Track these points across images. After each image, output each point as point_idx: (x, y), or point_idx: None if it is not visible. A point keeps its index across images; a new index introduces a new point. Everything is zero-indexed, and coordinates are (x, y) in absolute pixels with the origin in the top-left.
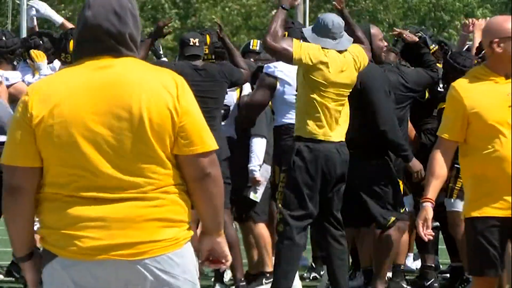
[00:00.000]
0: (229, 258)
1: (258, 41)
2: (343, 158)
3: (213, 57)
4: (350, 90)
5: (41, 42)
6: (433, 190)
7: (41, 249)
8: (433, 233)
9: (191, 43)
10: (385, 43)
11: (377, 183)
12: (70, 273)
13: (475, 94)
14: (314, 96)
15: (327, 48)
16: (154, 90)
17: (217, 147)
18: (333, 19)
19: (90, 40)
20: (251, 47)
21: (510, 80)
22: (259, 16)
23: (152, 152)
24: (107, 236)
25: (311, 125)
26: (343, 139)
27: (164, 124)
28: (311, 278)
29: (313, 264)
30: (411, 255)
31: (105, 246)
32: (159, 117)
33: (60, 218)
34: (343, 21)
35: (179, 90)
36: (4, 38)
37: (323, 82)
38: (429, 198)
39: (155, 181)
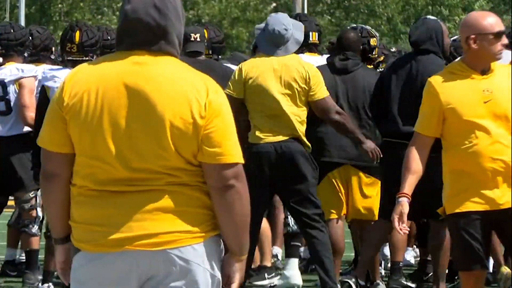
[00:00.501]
0: (235, 286)
1: None
2: (287, 155)
3: (210, 52)
4: (295, 90)
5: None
6: (409, 186)
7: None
8: (408, 228)
9: (192, 39)
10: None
11: (434, 177)
12: (93, 267)
13: (451, 90)
14: (247, 104)
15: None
16: (182, 94)
17: (243, 161)
18: (275, 28)
19: (129, 34)
20: None
21: (486, 76)
22: (258, 10)
23: (170, 155)
24: (126, 229)
25: (251, 130)
26: (288, 137)
27: (187, 130)
28: (309, 270)
29: None
30: (410, 249)
31: (126, 238)
32: (182, 122)
33: (82, 212)
34: (288, 27)
35: (209, 97)
36: (12, 31)
37: (250, 93)
38: (405, 193)
39: (174, 178)
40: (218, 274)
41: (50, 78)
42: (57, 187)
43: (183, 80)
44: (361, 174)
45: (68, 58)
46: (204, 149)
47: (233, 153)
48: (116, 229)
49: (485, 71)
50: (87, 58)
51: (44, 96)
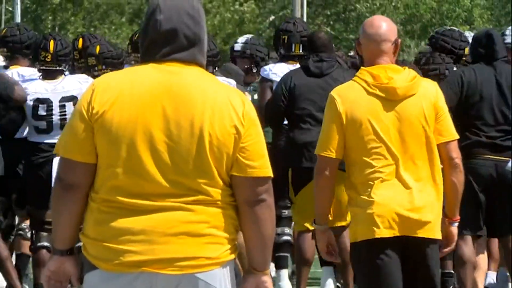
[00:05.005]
0: None
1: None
2: None
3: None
4: None
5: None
6: None
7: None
8: None
9: None
10: None
11: None
12: (109, 286)
13: None
14: None
15: None
16: (220, 106)
17: (273, 176)
18: None
19: (162, 44)
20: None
21: None
22: (253, 22)
23: (205, 167)
24: (149, 251)
25: None
26: None
27: (225, 142)
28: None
29: None
30: None
31: (147, 260)
32: (221, 134)
33: (102, 230)
34: None
35: (245, 108)
36: (18, 33)
37: None
38: None
39: (203, 196)
40: None
41: None
42: (75, 198)
43: (218, 91)
44: None
45: (42, 67)
46: (241, 161)
47: (267, 166)
48: (137, 249)
49: None
50: (60, 68)
51: None
